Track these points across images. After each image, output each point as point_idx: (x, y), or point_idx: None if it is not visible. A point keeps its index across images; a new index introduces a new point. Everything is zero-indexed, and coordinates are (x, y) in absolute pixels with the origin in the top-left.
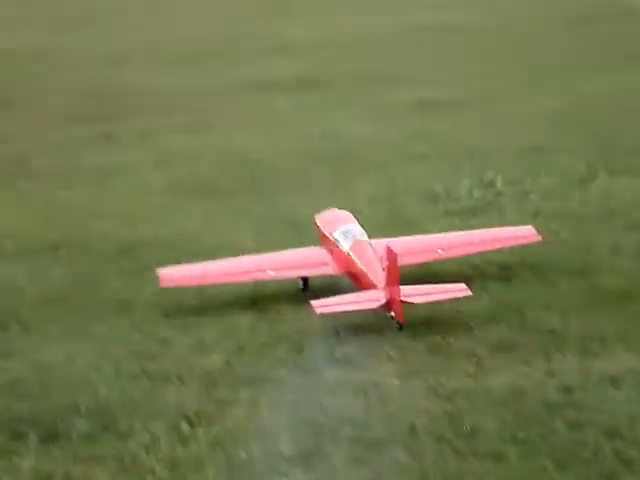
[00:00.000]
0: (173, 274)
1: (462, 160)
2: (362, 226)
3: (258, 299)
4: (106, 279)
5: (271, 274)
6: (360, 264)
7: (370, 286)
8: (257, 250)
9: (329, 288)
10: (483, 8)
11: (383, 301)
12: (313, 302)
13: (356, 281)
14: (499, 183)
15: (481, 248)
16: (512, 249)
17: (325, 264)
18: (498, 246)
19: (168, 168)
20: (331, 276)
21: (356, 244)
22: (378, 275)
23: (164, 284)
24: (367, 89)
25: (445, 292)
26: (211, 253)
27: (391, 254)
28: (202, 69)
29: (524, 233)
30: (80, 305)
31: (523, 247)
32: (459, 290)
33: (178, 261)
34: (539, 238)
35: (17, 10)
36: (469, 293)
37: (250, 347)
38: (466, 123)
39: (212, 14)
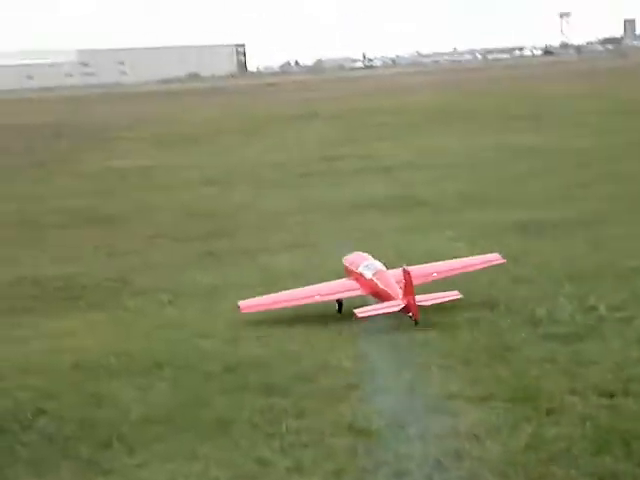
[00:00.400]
0: (250, 304)
1: (564, 283)
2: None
3: (356, 423)
4: (209, 398)
5: (318, 298)
6: (382, 286)
7: (391, 299)
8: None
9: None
10: (583, 130)
11: (402, 306)
12: (356, 310)
13: (380, 298)
14: (602, 308)
15: (461, 271)
16: (616, 376)
17: (356, 289)
18: (473, 269)
19: (271, 287)
20: (360, 297)
21: (377, 273)
22: (397, 291)
23: (244, 311)
24: (465, 209)
25: (443, 297)
26: (312, 374)
27: (407, 273)
28: (304, 189)
29: (491, 258)
30: (183, 424)
31: (627, 373)
32: (453, 295)
33: (277, 380)
34: (504, 261)
35: (124, 129)
36: (460, 296)
37: (349, 470)
38: (567, 245)
39: (314, 137)
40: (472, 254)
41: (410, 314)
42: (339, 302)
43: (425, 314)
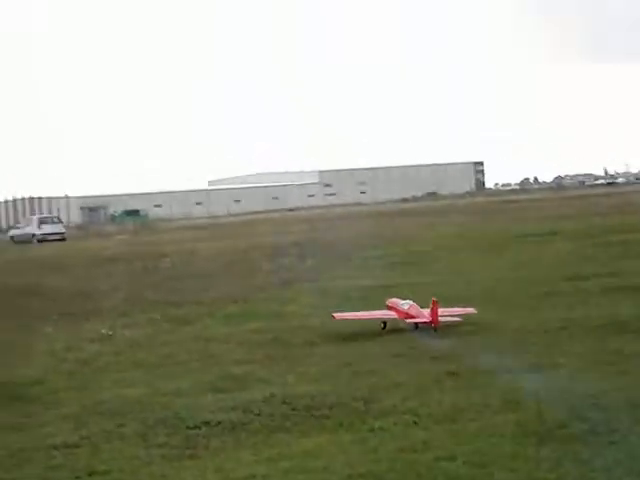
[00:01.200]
0: (342, 315)
1: None
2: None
3: None
4: None
5: (383, 316)
6: (413, 312)
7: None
8: None
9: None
10: None
11: (428, 320)
12: (407, 320)
13: (413, 319)
14: None
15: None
16: None
17: (394, 315)
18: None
19: (516, 411)
20: (399, 319)
21: (411, 306)
22: (423, 313)
23: (336, 319)
24: None
25: (457, 314)
26: None
27: (434, 302)
28: (547, 309)
29: (467, 310)
30: None
31: None
32: (469, 310)
33: None
34: (474, 311)
35: (364, 248)
36: (474, 311)
37: None
38: None
39: (555, 255)
40: None
41: (433, 325)
42: (384, 323)
43: None
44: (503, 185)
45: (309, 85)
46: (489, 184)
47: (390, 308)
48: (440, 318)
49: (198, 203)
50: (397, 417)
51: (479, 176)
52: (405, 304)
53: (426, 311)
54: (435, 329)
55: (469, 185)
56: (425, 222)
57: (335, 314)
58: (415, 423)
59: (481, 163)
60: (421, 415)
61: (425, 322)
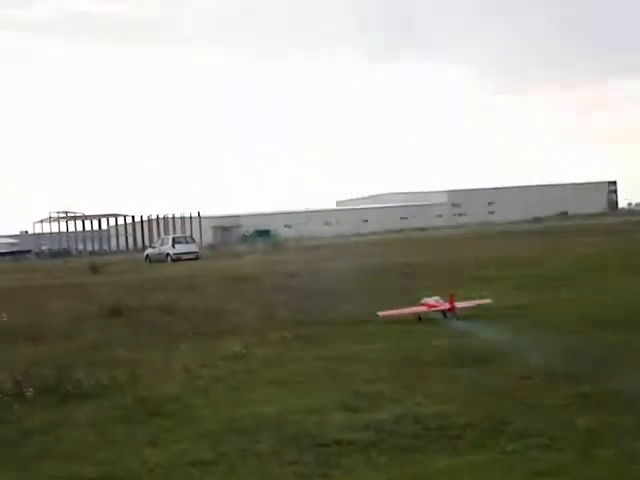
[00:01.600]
0: (386, 313)
1: None
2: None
3: None
4: None
5: (421, 311)
6: (438, 304)
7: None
8: None
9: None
10: None
11: (448, 307)
12: (434, 310)
13: (436, 309)
14: None
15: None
16: None
17: (427, 310)
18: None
19: None
20: (429, 311)
21: (436, 300)
22: (445, 304)
23: (382, 316)
24: None
25: (473, 304)
26: None
27: (451, 295)
28: None
29: (483, 301)
30: None
31: None
32: (484, 301)
33: None
34: (490, 301)
35: (483, 268)
36: (489, 301)
37: None
38: None
39: None
40: None
41: (454, 313)
42: (420, 317)
43: None
44: (637, 204)
45: (435, 103)
46: (622, 203)
47: (423, 305)
48: (458, 306)
49: (327, 223)
50: (529, 439)
51: (612, 196)
52: (432, 299)
53: (446, 302)
54: (457, 317)
55: (601, 205)
56: (560, 242)
57: (380, 313)
58: (547, 446)
59: (614, 182)
60: (553, 438)
61: (445, 309)
